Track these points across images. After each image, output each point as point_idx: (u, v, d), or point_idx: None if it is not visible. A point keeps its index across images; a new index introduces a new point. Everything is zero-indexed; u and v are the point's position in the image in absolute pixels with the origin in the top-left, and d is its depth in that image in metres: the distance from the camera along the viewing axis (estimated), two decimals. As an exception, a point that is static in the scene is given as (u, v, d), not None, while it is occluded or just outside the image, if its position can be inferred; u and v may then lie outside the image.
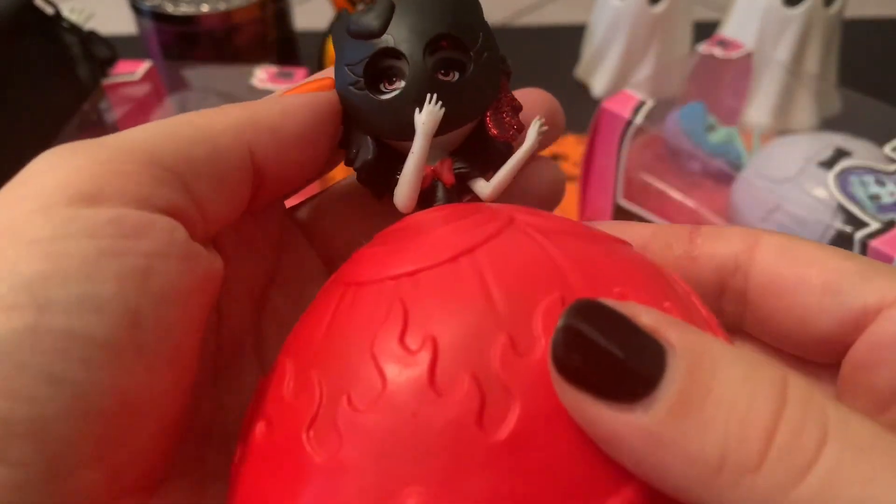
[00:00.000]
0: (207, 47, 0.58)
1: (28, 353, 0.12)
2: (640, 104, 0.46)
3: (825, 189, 0.40)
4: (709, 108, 0.48)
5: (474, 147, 0.18)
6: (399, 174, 0.18)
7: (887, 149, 0.43)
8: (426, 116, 0.17)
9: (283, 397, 0.14)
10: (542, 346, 0.13)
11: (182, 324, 0.14)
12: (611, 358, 0.11)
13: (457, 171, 0.18)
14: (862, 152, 0.43)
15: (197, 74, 0.52)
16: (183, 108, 0.50)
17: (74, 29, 0.51)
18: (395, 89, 0.17)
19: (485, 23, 0.19)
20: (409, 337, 0.13)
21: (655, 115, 0.46)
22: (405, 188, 0.17)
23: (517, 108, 0.18)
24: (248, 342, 0.19)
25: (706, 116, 0.47)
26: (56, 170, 0.14)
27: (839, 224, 0.39)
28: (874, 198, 0.39)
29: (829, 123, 0.55)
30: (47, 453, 0.12)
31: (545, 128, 0.18)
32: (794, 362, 0.17)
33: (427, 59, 0.17)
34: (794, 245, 0.16)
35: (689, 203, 0.47)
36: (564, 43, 0.75)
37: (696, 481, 0.11)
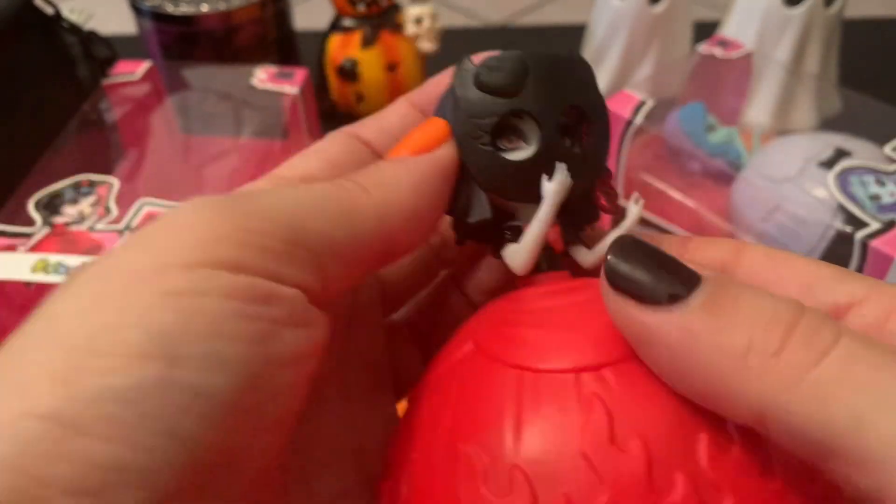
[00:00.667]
0: (207, 47, 0.58)
1: (153, 405, 0.13)
2: (640, 104, 0.46)
3: (825, 189, 0.40)
4: (709, 108, 0.48)
5: (571, 212, 0.18)
6: (507, 231, 0.18)
7: (887, 149, 0.43)
8: (557, 186, 0.17)
9: (484, 494, 0.14)
10: (738, 442, 0.14)
11: (294, 388, 0.15)
12: (654, 271, 0.14)
13: (564, 239, 0.18)
14: (862, 152, 0.43)
15: (197, 74, 0.52)
16: (183, 109, 0.50)
17: (74, 29, 0.51)
18: (516, 148, 0.17)
19: (600, 94, 0.19)
20: (618, 437, 0.14)
21: (655, 115, 0.46)
22: (527, 253, 0.17)
23: (611, 174, 0.19)
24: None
25: (706, 116, 0.47)
26: (201, 229, 0.14)
27: (839, 224, 0.39)
28: (874, 198, 0.40)
29: (829, 123, 0.55)
30: (153, 502, 0.13)
31: (642, 201, 0.18)
32: None
33: (556, 125, 0.17)
34: (777, 253, 0.17)
35: (689, 203, 0.47)
36: (564, 43, 0.75)
37: (725, 369, 0.13)
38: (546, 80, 0.17)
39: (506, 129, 0.18)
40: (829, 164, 0.42)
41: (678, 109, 0.48)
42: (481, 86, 0.17)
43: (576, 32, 0.73)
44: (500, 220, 0.18)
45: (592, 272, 0.17)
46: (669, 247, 0.18)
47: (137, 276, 0.13)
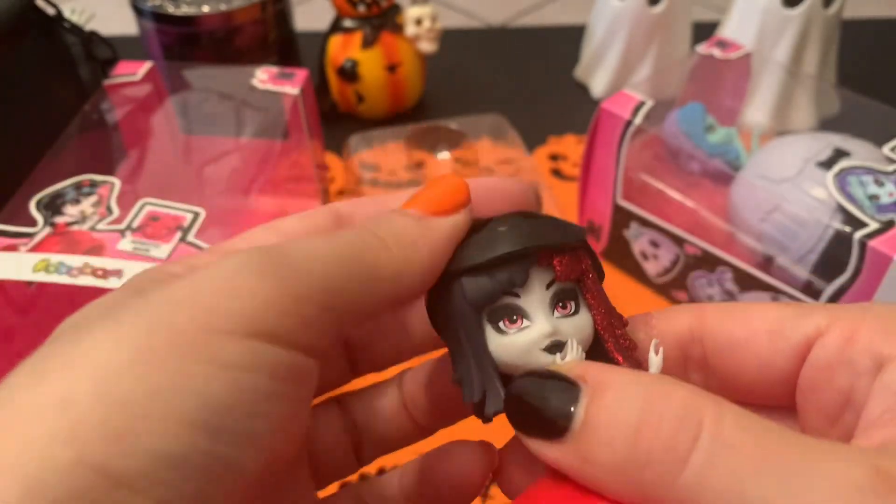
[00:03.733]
0: (208, 48, 0.58)
1: (195, 473, 0.13)
2: (640, 104, 0.46)
3: (824, 189, 0.41)
4: (708, 109, 0.48)
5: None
6: None
7: (886, 149, 0.43)
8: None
9: None
10: None
11: (296, 456, 0.17)
12: (537, 412, 0.15)
13: None
14: (861, 152, 0.43)
15: (198, 75, 0.53)
16: (184, 109, 0.50)
17: (75, 29, 0.51)
18: (518, 329, 0.17)
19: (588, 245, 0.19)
20: None
21: (655, 116, 0.46)
22: None
23: (625, 322, 0.18)
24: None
25: (705, 117, 0.47)
26: (247, 294, 0.14)
27: (838, 224, 0.39)
28: (873, 198, 0.40)
29: (827, 124, 0.55)
30: None
31: (662, 350, 0.17)
32: (763, 412, 0.18)
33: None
34: (735, 307, 0.18)
35: (689, 203, 0.47)
36: (564, 43, 0.75)
37: (619, 484, 0.14)
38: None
39: (506, 311, 0.17)
40: (827, 164, 0.42)
41: (677, 110, 0.48)
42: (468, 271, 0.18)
43: (576, 33, 0.73)
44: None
45: None
46: (637, 325, 0.19)
47: (188, 339, 0.14)
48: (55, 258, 0.35)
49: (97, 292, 0.48)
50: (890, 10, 0.85)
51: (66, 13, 0.52)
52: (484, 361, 0.17)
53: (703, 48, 0.52)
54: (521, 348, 0.17)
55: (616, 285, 0.49)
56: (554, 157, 0.62)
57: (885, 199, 0.39)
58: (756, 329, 0.18)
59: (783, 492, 0.12)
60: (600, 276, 0.18)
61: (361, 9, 0.61)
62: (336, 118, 0.66)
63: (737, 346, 0.18)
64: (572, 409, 0.15)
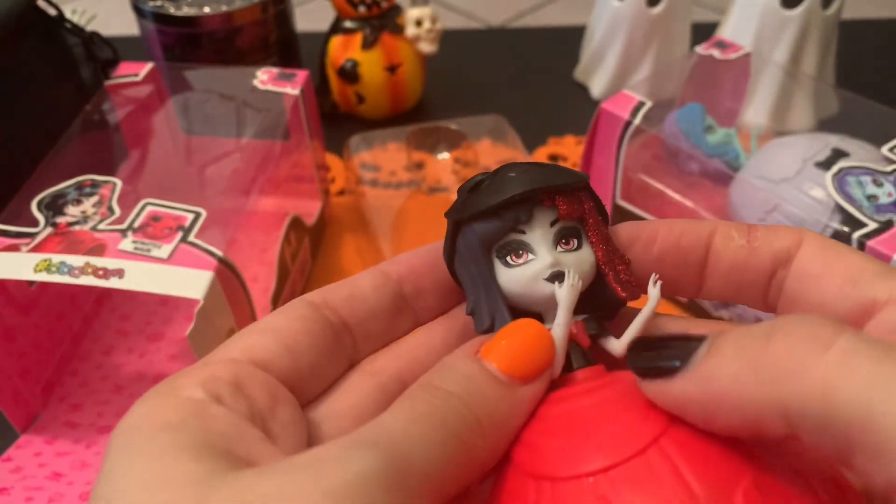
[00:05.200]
0: (209, 49, 0.58)
1: None
2: (639, 105, 0.46)
3: (823, 189, 0.41)
4: (707, 109, 0.48)
5: (591, 301, 0.19)
6: None
7: (885, 149, 0.43)
8: (567, 292, 0.18)
9: None
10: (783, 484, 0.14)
11: None
12: (664, 353, 0.16)
13: (590, 333, 0.19)
14: (859, 153, 0.43)
15: (199, 76, 0.53)
16: (185, 110, 0.50)
17: (77, 30, 0.52)
18: (524, 262, 0.19)
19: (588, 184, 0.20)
20: None
21: (654, 116, 0.46)
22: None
23: (627, 261, 0.19)
24: None
25: (704, 117, 0.48)
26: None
27: (836, 224, 0.39)
28: (871, 198, 0.40)
29: (826, 124, 0.55)
30: None
31: (660, 282, 0.19)
32: None
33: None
34: (831, 245, 0.18)
35: (688, 203, 0.47)
36: (564, 44, 0.75)
37: (742, 399, 0.14)
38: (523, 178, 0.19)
39: (511, 246, 0.19)
40: (826, 164, 0.42)
41: (676, 110, 0.48)
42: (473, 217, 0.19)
43: (575, 33, 0.73)
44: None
45: (622, 362, 0.18)
46: (738, 232, 0.19)
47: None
48: (56, 258, 0.35)
49: (99, 292, 0.49)
50: (889, 10, 0.85)
51: (68, 14, 0.53)
52: (493, 292, 0.19)
53: (702, 49, 0.52)
54: (526, 278, 0.18)
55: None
56: (554, 158, 0.63)
57: (883, 200, 0.40)
58: (836, 269, 0.18)
59: None
60: (604, 218, 0.20)
61: (362, 10, 0.61)
62: (336, 119, 0.66)
63: (814, 277, 0.18)
64: (695, 350, 0.15)
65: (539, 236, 0.18)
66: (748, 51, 0.53)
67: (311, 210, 0.52)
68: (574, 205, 0.19)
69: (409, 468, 0.15)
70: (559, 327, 0.18)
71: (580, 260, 0.19)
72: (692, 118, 0.47)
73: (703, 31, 0.68)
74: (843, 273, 0.18)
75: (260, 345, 0.18)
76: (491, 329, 0.18)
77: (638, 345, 0.18)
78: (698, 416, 0.15)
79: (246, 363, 0.17)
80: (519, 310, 0.19)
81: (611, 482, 0.15)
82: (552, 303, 0.18)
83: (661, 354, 0.16)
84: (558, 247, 0.19)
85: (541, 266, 0.18)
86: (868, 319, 0.17)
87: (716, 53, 0.52)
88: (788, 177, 0.43)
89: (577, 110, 0.65)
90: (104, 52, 0.52)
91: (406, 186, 0.56)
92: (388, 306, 0.20)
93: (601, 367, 0.18)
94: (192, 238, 0.36)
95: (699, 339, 0.15)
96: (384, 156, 0.59)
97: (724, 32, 0.63)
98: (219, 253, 0.36)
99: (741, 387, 0.14)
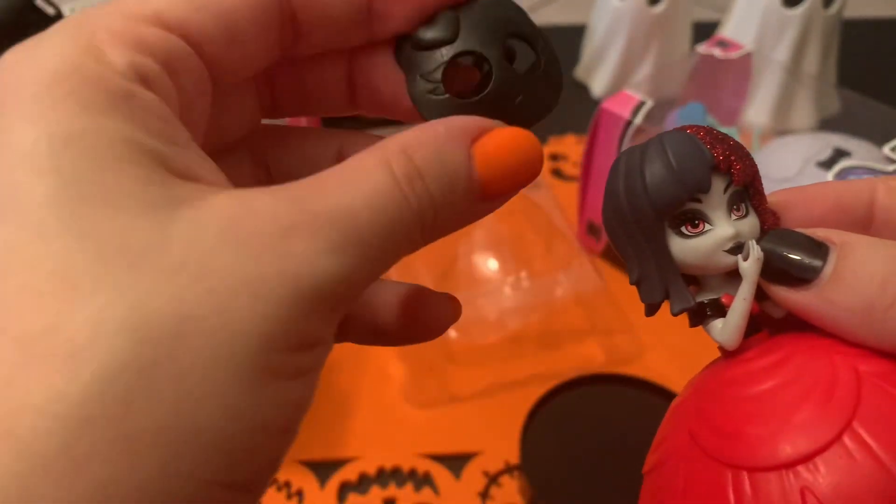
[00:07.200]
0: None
1: None
2: (640, 104, 0.46)
3: (824, 189, 0.41)
4: (708, 109, 0.48)
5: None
6: (708, 309, 0.18)
7: (886, 149, 0.43)
8: (753, 266, 0.18)
9: None
10: None
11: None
12: (788, 263, 0.17)
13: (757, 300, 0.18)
14: (861, 152, 0.43)
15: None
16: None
17: (75, 29, 0.51)
18: (701, 232, 0.18)
19: (533, 23, 0.20)
20: None
21: (655, 116, 0.46)
22: (737, 331, 0.18)
23: (778, 218, 0.19)
24: None
25: (705, 117, 0.47)
26: None
27: (838, 224, 0.39)
28: (873, 198, 0.40)
29: (828, 124, 0.55)
30: None
31: (761, 254, 0.18)
32: None
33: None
34: None
35: (689, 203, 0.47)
36: (564, 43, 0.75)
37: (856, 323, 0.16)
38: (478, 21, 0.19)
39: (688, 215, 0.18)
40: (828, 164, 0.42)
41: (678, 110, 0.48)
42: (419, 45, 0.18)
43: (576, 32, 0.73)
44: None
45: (782, 323, 0.18)
46: (868, 184, 0.20)
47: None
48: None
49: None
50: (890, 10, 0.85)
51: (66, 13, 0.52)
52: (668, 264, 0.18)
53: (703, 48, 0.52)
54: (707, 251, 0.18)
55: (616, 285, 0.49)
56: (554, 157, 0.62)
57: (885, 199, 0.39)
58: None
59: None
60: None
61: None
62: (336, 118, 0.66)
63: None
64: (822, 263, 0.16)
65: (715, 204, 0.18)
66: (749, 50, 0.53)
67: None
68: (748, 168, 0.18)
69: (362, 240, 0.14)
70: (744, 301, 0.18)
71: (753, 228, 0.18)
72: (693, 117, 0.47)
73: (704, 30, 0.68)
74: None
75: (190, 15, 0.15)
76: (662, 301, 0.18)
77: (771, 237, 0.18)
78: (822, 325, 0.17)
79: (178, 38, 0.15)
80: (691, 278, 0.18)
81: (810, 472, 0.15)
82: (724, 272, 0.18)
83: (790, 258, 0.17)
84: (732, 214, 0.18)
85: (722, 237, 0.18)
86: None
87: (717, 52, 0.51)
88: (790, 176, 0.43)
89: (578, 109, 0.65)
90: (103, 51, 0.52)
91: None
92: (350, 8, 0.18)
93: (766, 331, 0.18)
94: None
95: (824, 250, 0.17)
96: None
97: (726, 31, 0.62)
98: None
99: (858, 321, 0.16)
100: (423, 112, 0.19)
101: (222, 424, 0.13)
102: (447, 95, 0.18)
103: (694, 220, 0.18)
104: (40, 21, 0.49)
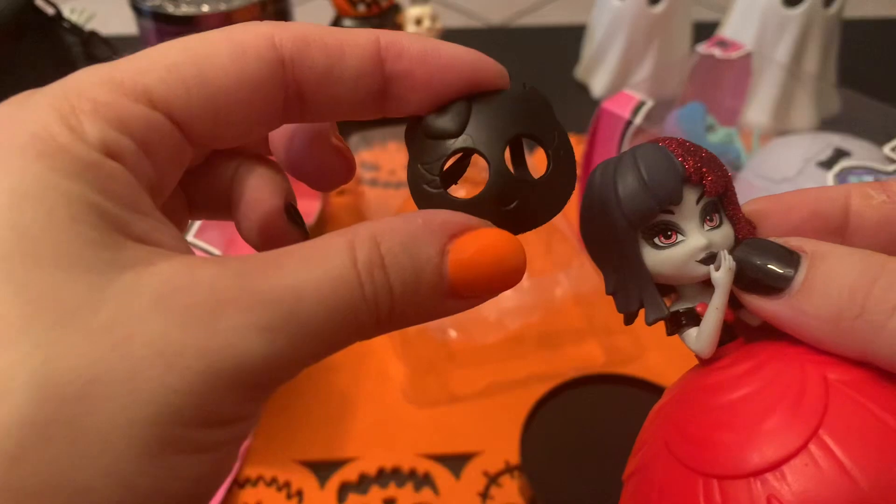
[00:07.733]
0: (208, 48, 0.58)
1: None
2: (640, 104, 0.46)
3: (824, 189, 0.41)
4: (708, 109, 0.48)
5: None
6: (683, 317, 0.18)
7: (886, 149, 0.43)
8: (725, 276, 0.18)
9: None
10: None
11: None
12: (760, 273, 0.17)
13: (732, 307, 0.19)
14: (861, 152, 0.43)
15: (197, 75, 0.52)
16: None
17: (75, 29, 0.51)
18: (674, 243, 0.18)
19: (556, 122, 0.19)
20: None
21: (655, 116, 0.46)
22: (710, 340, 0.18)
23: (754, 227, 0.19)
24: None
25: (706, 116, 0.47)
26: None
27: (838, 224, 0.39)
28: (873, 198, 0.40)
29: (828, 123, 0.55)
30: None
31: (733, 264, 0.18)
32: None
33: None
34: None
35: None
36: (564, 43, 0.75)
37: (826, 332, 0.16)
38: (490, 115, 0.18)
39: (660, 227, 0.18)
40: (828, 163, 0.42)
41: (678, 109, 0.48)
42: (426, 131, 0.18)
43: (576, 32, 0.73)
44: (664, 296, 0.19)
45: (758, 331, 0.18)
46: (874, 190, 0.19)
47: None
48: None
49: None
50: (890, 10, 0.85)
51: (66, 13, 0.52)
52: (642, 275, 0.18)
53: (703, 48, 0.52)
54: (679, 261, 0.18)
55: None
56: (554, 157, 0.62)
57: (885, 199, 0.39)
58: None
59: None
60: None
61: (361, 8, 0.61)
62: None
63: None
64: (793, 272, 0.17)
65: (687, 215, 0.18)
66: (749, 50, 0.52)
67: (310, 210, 0.52)
68: (720, 179, 0.18)
69: (301, 329, 0.14)
70: (716, 311, 0.18)
71: (726, 237, 0.18)
72: (693, 117, 0.47)
73: (704, 30, 0.68)
74: None
75: (179, 95, 0.16)
76: (637, 310, 0.19)
77: (742, 248, 0.18)
78: (795, 331, 0.17)
79: (162, 115, 0.16)
80: (664, 287, 0.19)
81: (777, 480, 0.15)
82: (698, 281, 0.18)
83: (761, 267, 0.17)
84: (705, 224, 0.18)
85: (694, 248, 0.18)
86: None
87: (717, 52, 0.51)
88: (790, 176, 0.43)
89: (578, 109, 0.65)
90: (103, 52, 0.52)
91: (406, 186, 0.56)
92: (371, 75, 0.17)
93: (741, 339, 0.18)
94: (191, 237, 0.36)
95: (795, 258, 0.17)
96: (384, 155, 0.59)
97: (726, 31, 0.62)
98: (218, 253, 0.35)
99: (826, 330, 0.16)
100: (416, 200, 0.18)
101: (111, 490, 0.13)
102: (442, 190, 0.18)
103: (667, 231, 0.18)
104: (40, 21, 0.49)
